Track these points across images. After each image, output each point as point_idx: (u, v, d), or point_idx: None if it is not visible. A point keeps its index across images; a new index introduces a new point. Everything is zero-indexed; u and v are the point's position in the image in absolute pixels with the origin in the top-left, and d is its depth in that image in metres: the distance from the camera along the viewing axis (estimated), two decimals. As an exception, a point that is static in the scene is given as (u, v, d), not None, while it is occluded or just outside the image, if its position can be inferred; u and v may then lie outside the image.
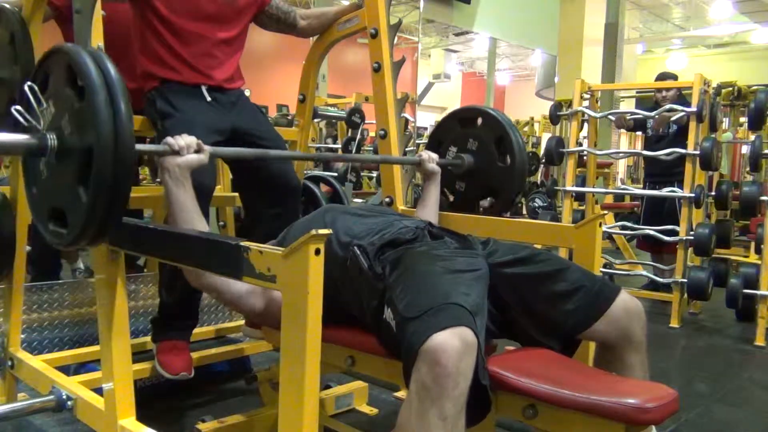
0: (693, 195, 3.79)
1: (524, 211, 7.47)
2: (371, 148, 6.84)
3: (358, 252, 1.42)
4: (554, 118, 5.14)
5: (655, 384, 1.23)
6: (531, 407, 1.20)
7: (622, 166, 11.15)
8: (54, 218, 1.33)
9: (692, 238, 3.76)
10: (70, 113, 1.24)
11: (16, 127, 1.31)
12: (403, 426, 1.13)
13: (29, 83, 1.32)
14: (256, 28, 2.18)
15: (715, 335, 3.84)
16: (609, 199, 6.64)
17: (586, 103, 4.45)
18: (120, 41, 2.03)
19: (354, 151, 5.05)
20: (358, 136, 5.27)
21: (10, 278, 1.92)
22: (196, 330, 2.07)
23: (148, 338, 2.03)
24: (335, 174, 4.74)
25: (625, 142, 12.54)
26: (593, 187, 4.70)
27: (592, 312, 1.38)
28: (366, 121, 5.41)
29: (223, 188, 2.74)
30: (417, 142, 7.35)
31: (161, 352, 1.91)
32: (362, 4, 2.20)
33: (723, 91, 5.37)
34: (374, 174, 6.95)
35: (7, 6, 1.86)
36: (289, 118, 2.64)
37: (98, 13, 1.53)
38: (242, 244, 1.12)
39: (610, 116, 4.79)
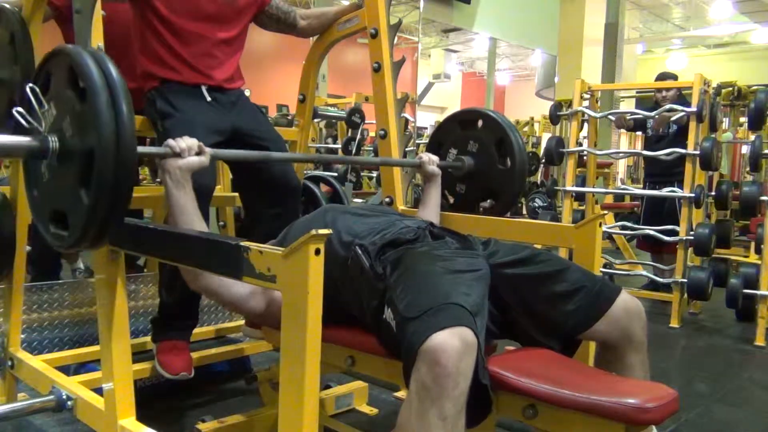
0: (693, 195, 3.79)
1: (524, 211, 7.47)
2: (371, 148, 6.85)
3: (360, 251, 1.42)
4: (554, 118, 5.15)
5: (655, 384, 1.23)
6: (531, 407, 1.20)
7: (622, 166, 11.15)
8: (55, 220, 1.33)
9: (692, 238, 3.76)
10: (72, 115, 1.23)
11: (17, 128, 1.31)
12: (403, 426, 1.13)
13: (31, 85, 1.32)
14: (256, 28, 2.18)
15: (715, 335, 3.84)
16: (609, 199, 6.64)
17: (586, 103, 4.45)
18: (120, 41, 2.03)
19: (354, 151, 5.06)
20: (358, 136, 5.28)
21: (10, 278, 1.92)
22: (196, 330, 2.07)
23: (148, 338, 2.03)
24: (335, 174, 4.74)
25: (625, 142, 12.54)
26: (593, 187, 4.70)
27: (592, 312, 1.38)
28: (366, 121, 5.42)
29: (223, 188, 2.74)
30: (417, 141, 7.35)
31: (161, 352, 1.91)
32: (362, 4, 2.20)
33: (723, 91, 5.37)
34: (374, 174, 6.95)
35: (7, 6, 1.86)
36: (289, 118, 2.64)
37: (98, 13, 1.53)
38: (242, 244, 1.12)
39: (610, 116, 4.79)
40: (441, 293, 1.21)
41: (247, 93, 2.14)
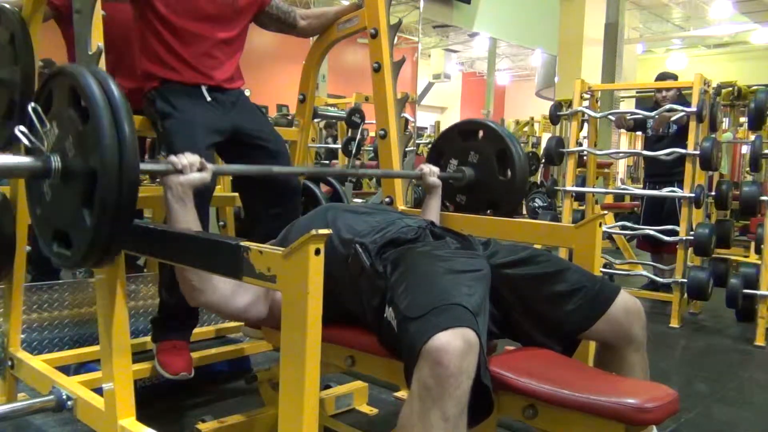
0: (693, 195, 3.79)
1: (524, 211, 7.47)
2: (371, 148, 6.84)
3: (360, 249, 1.42)
4: (554, 118, 5.14)
5: (655, 384, 1.23)
6: (531, 407, 1.20)
7: (622, 166, 11.14)
8: (58, 240, 1.32)
9: (692, 238, 3.76)
10: (74, 135, 1.23)
11: (14, 137, 1.30)
12: (405, 426, 1.13)
13: (32, 104, 1.31)
14: (256, 28, 2.18)
15: (715, 335, 3.84)
16: (609, 199, 6.63)
17: (586, 103, 4.46)
18: (120, 41, 2.03)
19: (354, 151, 5.05)
20: (358, 136, 5.27)
21: (10, 278, 1.92)
22: (196, 330, 2.07)
23: (148, 338, 2.03)
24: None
25: (625, 142, 12.52)
26: (593, 187, 4.70)
27: (592, 312, 1.38)
28: (366, 121, 5.41)
29: (223, 188, 2.74)
30: (417, 141, 7.35)
31: (161, 352, 1.91)
32: (362, 4, 2.20)
33: (723, 91, 5.37)
34: (374, 174, 6.94)
35: (7, 6, 1.86)
36: (289, 118, 2.63)
37: (98, 13, 1.53)
38: (242, 244, 1.12)
39: (610, 116, 4.80)
40: (443, 293, 1.20)
41: (247, 93, 2.14)
